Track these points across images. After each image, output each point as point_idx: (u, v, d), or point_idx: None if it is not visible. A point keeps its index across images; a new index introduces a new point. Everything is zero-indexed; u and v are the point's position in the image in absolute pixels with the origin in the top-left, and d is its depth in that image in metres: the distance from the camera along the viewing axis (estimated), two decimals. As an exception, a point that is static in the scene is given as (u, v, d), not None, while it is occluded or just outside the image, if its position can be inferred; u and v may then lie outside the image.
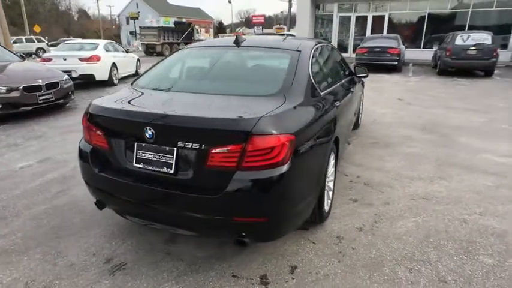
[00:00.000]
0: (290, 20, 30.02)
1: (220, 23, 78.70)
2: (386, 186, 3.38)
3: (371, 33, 18.22)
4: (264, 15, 48.94)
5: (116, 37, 52.30)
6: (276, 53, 2.75)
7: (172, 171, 1.95)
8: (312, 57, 2.68)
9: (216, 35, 61.56)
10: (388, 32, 17.82)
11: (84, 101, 7.78)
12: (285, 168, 1.84)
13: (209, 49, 3.03)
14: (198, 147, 1.84)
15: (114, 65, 9.91)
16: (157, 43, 27.03)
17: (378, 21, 18.69)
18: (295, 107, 2.09)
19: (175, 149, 1.92)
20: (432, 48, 16.40)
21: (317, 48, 2.95)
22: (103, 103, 2.22)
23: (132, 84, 2.68)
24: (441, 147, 4.53)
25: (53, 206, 3.01)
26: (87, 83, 9.84)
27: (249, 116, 1.81)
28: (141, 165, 2.04)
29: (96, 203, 2.33)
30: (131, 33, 41.80)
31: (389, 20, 18.54)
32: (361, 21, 19.03)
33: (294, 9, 26.53)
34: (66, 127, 5.63)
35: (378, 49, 13.01)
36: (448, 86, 10.03)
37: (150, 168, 2.01)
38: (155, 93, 2.45)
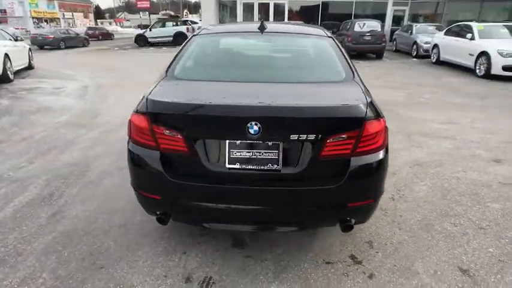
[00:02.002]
0: (187, 6, 28.99)
1: (98, 8, 70.46)
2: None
3: (274, 21, 19.17)
4: (149, 0, 45.82)
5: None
6: (312, 38, 2.75)
7: (278, 167, 1.82)
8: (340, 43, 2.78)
9: (95, 21, 54.99)
10: (288, 19, 19.06)
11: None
12: (384, 150, 1.93)
13: (237, 35, 2.82)
14: (313, 138, 1.77)
15: (6, 56, 8.00)
16: None
17: (278, 8, 19.73)
18: (368, 91, 2.18)
19: (279, 143, 1.80)
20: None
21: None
22: (177, 99, 1.88)
23: (167, 76, 2.30)
24: (395, 121, 5.25)
25: (61, 233, 2.42)
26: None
27: (360, 102, 1.82)
28: (236, 166, 1.83)
29: (160, 217, 1.99)
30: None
31: (289, 7, 19.79)
32: (264, 8, 19.77)
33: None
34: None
35: (289, 35, 13.81)
36: (358, 67, 11.42)
37: (250, 167, 1.83)
38: (220, 85, 2.16)
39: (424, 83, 8.44)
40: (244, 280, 2.01)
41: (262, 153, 1.82)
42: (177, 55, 2.54)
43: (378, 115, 1.86)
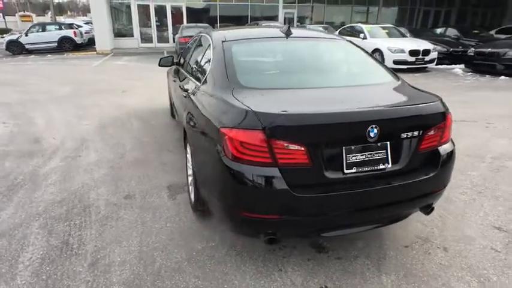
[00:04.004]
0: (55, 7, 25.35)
1: None
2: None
3: (173, 24, 18.61)
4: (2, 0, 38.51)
5: None
6: (335, 42, 2.89)
7: (388, 165, 1.94)
8: None
9: None
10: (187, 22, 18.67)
11: None
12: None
13: (267, 41, 2.74)
14: (416, 134, 1.94)
15: None
16: None
17: (175, 11, 19.13)
18: None
19: (387, 142, 1.92)
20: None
21: None
22: (292, 110, 1.79)
23: (234, 86, 2.12)
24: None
25: (124, 284, 1.98)
26: None
27: (439, 98, 2.08)
28: (353, 170, 1.87)
29: (272, 238, 1.88)
30: None
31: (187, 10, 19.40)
32: (161, 11, 18.87)
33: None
34: None
35: (201, 38, 13.64)
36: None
37: (365, 169, 1.89)
38: (299, 92, 2.17)
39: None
40: (356, 279, 2.06)
41: (374, 155, 1.91)
42: (217, 63, 2.38)
43: (448, 108, 2.16)
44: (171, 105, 5.15)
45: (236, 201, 1.87)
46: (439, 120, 2.03)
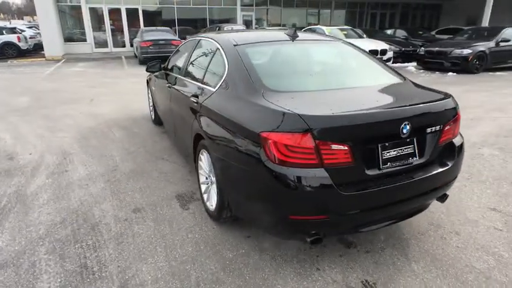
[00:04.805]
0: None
1: None
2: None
3: (129, 27, 17.87)
4: None
5: None
6: (336, 43, 2.97)
7: (416, 159, 2.06)
8: None
9: None
10: (144, 25, 18.03)
11: None
12: None
13: (276, 44, 2.74)
14: (438, 128, 2.09)
15: None
16: None
17: (131, 14, 18.38)
18: None
19: (414, 138, 2.04)
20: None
21: None
22: (338, 112, 1.84)
23: (260, 89, 2.11)
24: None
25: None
26: None
27: (450, 95, 2.25)
28: (387, 165, 1.96)
29: (318, 238, 1.90)
30: None
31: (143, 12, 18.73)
32: (116, 14, 18.01)
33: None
34: None
35: (162, 41, 13.25)
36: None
37: (398, 163, 1.99)
38: (326, 93, 2.21)
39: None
40: (390, 270, 2.15)
41: (403, 150, 2.02)
42: (235, 68, 2.37)
43: (458, 104, 2.34)
44: (155, 111, 4.96)
45: (283, 204, 1.86)
46: (453, 114, 2.19)
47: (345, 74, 2.66)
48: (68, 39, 17.47)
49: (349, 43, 3.05)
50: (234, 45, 2.59)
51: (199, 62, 3.11)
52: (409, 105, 1.98)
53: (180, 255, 2.27)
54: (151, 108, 5.26)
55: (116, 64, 13.44)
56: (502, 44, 11.01)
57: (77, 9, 17.33)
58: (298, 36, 2.83)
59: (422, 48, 11.92)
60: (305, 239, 1.92)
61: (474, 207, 2.90)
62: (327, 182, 1.78)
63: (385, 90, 2.37)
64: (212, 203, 2.58)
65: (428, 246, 2.38)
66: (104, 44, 18.00)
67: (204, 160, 2.65)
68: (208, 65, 2.81)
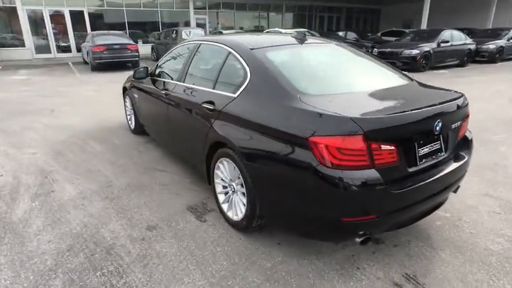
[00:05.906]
0: None
1: None
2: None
3: (74, 31, 16.65)
4: None
5: None
6: (344, 46, 3.05)
7: (444, 153, 2.19)
8: None
9: None
10: (92, 29, 16.91)
11: None
12: None
13: (289, 48, 2.71)
14: (459, 124, 2.25)
15: None
16: None
17: (76, 17, 17.13)
18: None
19: (441, 134, 2.16)
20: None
21: None
22: (386, 114, 1.90)
23: (297, 94, 2.08)
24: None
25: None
26: None
27: (461, 93, 2.43)
28: (422, 161, 2.06)
29: (367, 237, 1.94)
30: None
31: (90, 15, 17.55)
32: (58, 17, 16.64)
33: None
34: None
35: (117, 46, 12.52)
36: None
37: (430, 158, 2.10)
38: (359, 95, 2.26)
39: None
40: (423, 261, 2.24)
41: (433, 146, 2.13)
42: (259, 72, 2.33)
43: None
44: (136, 120, 4.66)
45: (336, 207, 1.86)
46: (467, 111, 2.37)
47: (363, 75, 2.72)
48: (2, 44, 15.78)
49: (349, 45, 3.15)
50: (251, 49, 2.53)
51: (206, 67, 2.98)
52: (439, 103, 2.10)
53: (217, 271, 2.15)
54: (129, 117, 4.93)
55: (65, 71, 12.41)
56: (442, 44, 12.18)
57: (10, 11, 15.71)
58: (306, 40, 2.86)
59: (375, 49, 12.72)
60: (354, 240, 1.94)
61: (469, 194, 3.15)
62: (379, 182, 1.82)
63: (407, 90, 2.48)
64: (237, 212, 2.49)
65: (446, 235, 2.54)
66: (46, 50, 16.58)
67: (224, 169, 2.55)
68: (221, 70, 2.71)
